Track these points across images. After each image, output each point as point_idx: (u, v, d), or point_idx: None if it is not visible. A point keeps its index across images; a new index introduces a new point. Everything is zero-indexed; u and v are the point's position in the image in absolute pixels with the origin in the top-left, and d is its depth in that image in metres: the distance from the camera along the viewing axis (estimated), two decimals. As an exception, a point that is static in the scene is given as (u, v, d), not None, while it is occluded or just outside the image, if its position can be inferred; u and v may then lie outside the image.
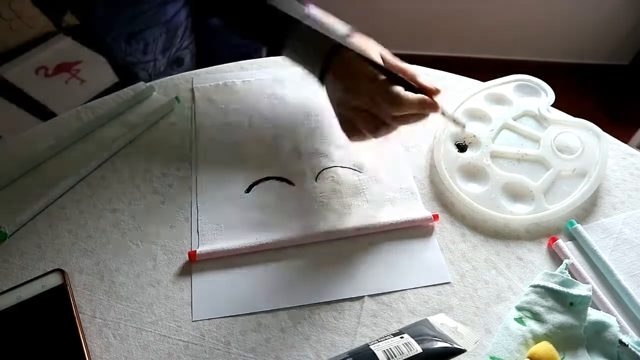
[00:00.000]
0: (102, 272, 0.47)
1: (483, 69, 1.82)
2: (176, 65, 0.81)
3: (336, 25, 0.51)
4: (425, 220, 0.51)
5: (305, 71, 0.54)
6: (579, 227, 0.50)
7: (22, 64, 0.88)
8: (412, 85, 0.48)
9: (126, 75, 0.77)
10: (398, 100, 0.46)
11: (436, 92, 0.48)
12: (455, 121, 0.51)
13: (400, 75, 0.48)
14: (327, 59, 0.51)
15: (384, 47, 0.52)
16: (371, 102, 0.48)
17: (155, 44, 0.76)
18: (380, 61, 0.49)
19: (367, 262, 0.48)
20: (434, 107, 0.48)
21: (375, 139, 0.51)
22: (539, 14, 1.72)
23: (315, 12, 0.54)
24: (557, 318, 0.42)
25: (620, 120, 1.72)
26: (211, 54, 0.86)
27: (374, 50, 0.50)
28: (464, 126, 0.52)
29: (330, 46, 0.50)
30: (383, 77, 0.48)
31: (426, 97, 0.48)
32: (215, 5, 0.60)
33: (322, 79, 0.53)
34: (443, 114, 0.49)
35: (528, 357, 0.40)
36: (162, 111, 0.61)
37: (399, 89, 0.47)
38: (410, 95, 0.47)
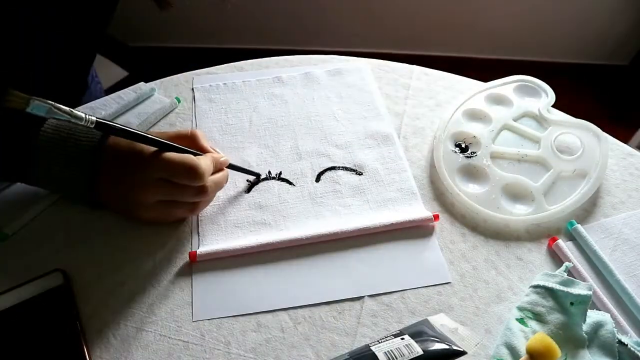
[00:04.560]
0: (102, 272, 0.47)
1: (483, 69, 1.82)
2: None
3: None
4: (426, 220, 0.51)
5: (69, 196, 0.48)
6: (579, 227, 0.50)
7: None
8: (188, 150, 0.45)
9: None
10: (184, 166, 0.43)
11: (215, 153, 0.48)
12: (248, 171, 0.54)
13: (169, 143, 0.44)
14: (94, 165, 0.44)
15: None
16: (163, 187, 0.44)
17: None
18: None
19: (367, 262, 0.48)
20: (224, 161, 0.49)
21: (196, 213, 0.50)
22: (539, 14, 1.72)
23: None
24: (558, 318, 0.42)
25: (620, 120, 1.72)
26: None
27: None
28: (259, 175, 0.55)
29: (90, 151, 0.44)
30: (153, 151, 0.44)
31: (215, 155, 0.48)
32: None
33: (93, 197, 0.47)
34: (232, 167, 0.51)
35: (527, 352, 0.40)
36: (162, 111, 0.61)
37: (170, 155, 0.43)
38: (203, 158, 0.45)
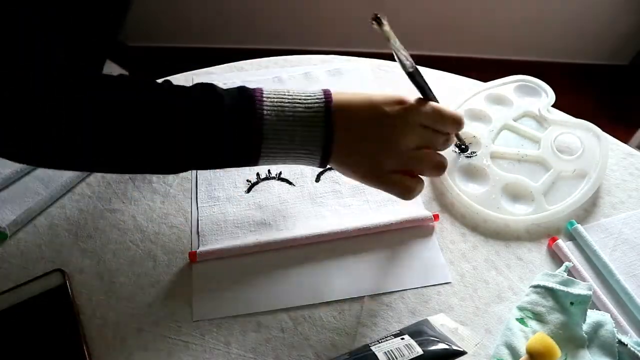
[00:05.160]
0: (102, 272, 0.47)
1: (483, 69, 1.82)
2: None
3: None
4: (426, 220, 0.51)
5: (298, 162, 0.43)
6: (579, 227, 0.50)
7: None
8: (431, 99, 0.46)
9: None
10: (453, 116, 0.45)
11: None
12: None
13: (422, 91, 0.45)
14: (327, 125, 0.41)
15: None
16: (423, 133, 0.44)
17: None
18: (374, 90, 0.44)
19: (367, 262, 0.48)
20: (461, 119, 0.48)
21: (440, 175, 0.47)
22: (539, 14, 1.72)
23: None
24: (558, 318, 0.42)
25: (620, 120, 1.71)
26: None
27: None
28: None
29: (313, 109, 0.41)
30: (405, 100, 0.44)
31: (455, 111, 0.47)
32: None
33: (327, 156, 0.42)
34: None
35: (527, 352, 0.40)
36: (162, 111, 0.61)
37: (437, 105, 0.45)
38: (449, 109, 0.45)
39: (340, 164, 0.44)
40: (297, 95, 0.42)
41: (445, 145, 0.46)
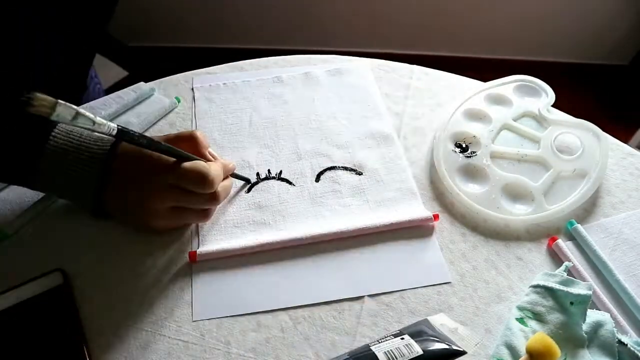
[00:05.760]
0: (102, 272, 0.47)
1: (483, 69, 1.82)
2: None
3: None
4: (426, 220, 0.51)
5: (74, 202, 0.47)
6: (579, 227, 0.50)
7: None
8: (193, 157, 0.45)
9: None
10: (206, 179, 0.43)
11: (222, 160, 0.49)
12: (240, 177, 0.54)
13: (182, 151, 0.44)
14: (104, 174, 0.44)
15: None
16: (176, 195, 0.44)
17: None
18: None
19: (367, 262, 0.48)
20: (232, 167, 0.50)
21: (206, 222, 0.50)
22: (539, 14, 1.73)
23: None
24: (558, 318, 0.42)
25: (620, 120, 1.72)
26: None
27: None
28: (249, 181, 0.55)
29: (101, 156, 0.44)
30: (170, 163, 0.44)
31: (224, 161, 0.49)
32: None
33: (99, 205, 0.46)
34: (233, 175, 0.52)
35: (527, 352, 0.40)
36: (162, 111, 0.61)
37: (186, 164, 0.43)
38: (214, 165, 0.45)
39: (114, 213, 0.47)
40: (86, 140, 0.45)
41: (209, 202, 0.46)
